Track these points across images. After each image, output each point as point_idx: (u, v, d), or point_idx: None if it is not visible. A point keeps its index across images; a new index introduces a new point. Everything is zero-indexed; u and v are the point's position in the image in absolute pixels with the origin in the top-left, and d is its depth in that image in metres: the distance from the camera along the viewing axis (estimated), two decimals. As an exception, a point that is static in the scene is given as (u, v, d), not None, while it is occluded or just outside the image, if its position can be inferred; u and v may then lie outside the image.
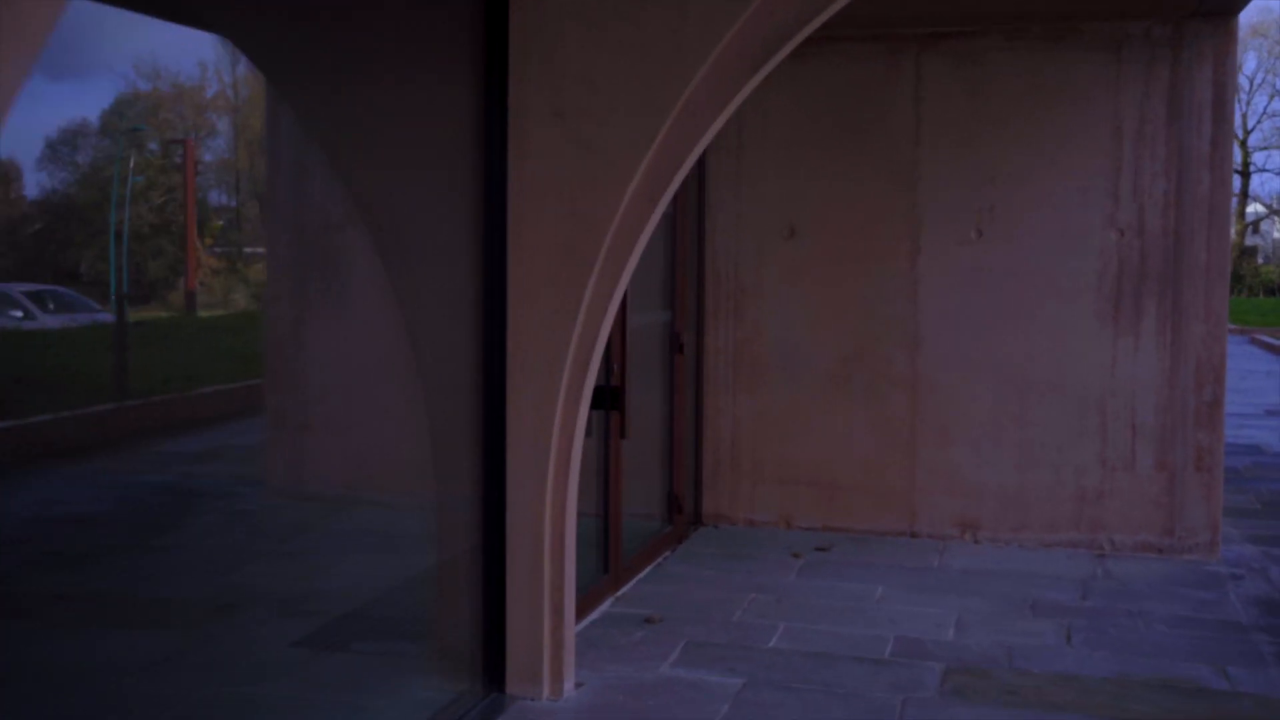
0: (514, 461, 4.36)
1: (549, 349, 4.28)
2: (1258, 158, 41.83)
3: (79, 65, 3.32)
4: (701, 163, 6.91)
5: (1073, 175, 6.46)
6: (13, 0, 1.73)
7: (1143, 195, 6.37)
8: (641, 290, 5.93)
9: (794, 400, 6.88)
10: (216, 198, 4.41)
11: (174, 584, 3.77)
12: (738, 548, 6.57)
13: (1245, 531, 6.96)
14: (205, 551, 3.95)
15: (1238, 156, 37.10)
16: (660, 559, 6.31)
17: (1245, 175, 39.41)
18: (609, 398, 4.85)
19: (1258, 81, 40.44)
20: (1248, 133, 39.21)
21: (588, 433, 4.52)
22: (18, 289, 3.84)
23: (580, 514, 4.61)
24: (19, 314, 3.78)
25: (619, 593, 5.66)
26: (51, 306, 3.82)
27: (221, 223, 4.42)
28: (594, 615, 5.32)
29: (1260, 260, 43.33)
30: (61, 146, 3.47)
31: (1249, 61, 41.51)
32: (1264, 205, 43.21)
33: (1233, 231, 6.59)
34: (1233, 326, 5.79)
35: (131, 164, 3.75)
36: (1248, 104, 39.33)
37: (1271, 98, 45.14)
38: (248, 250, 4.62)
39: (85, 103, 3.45)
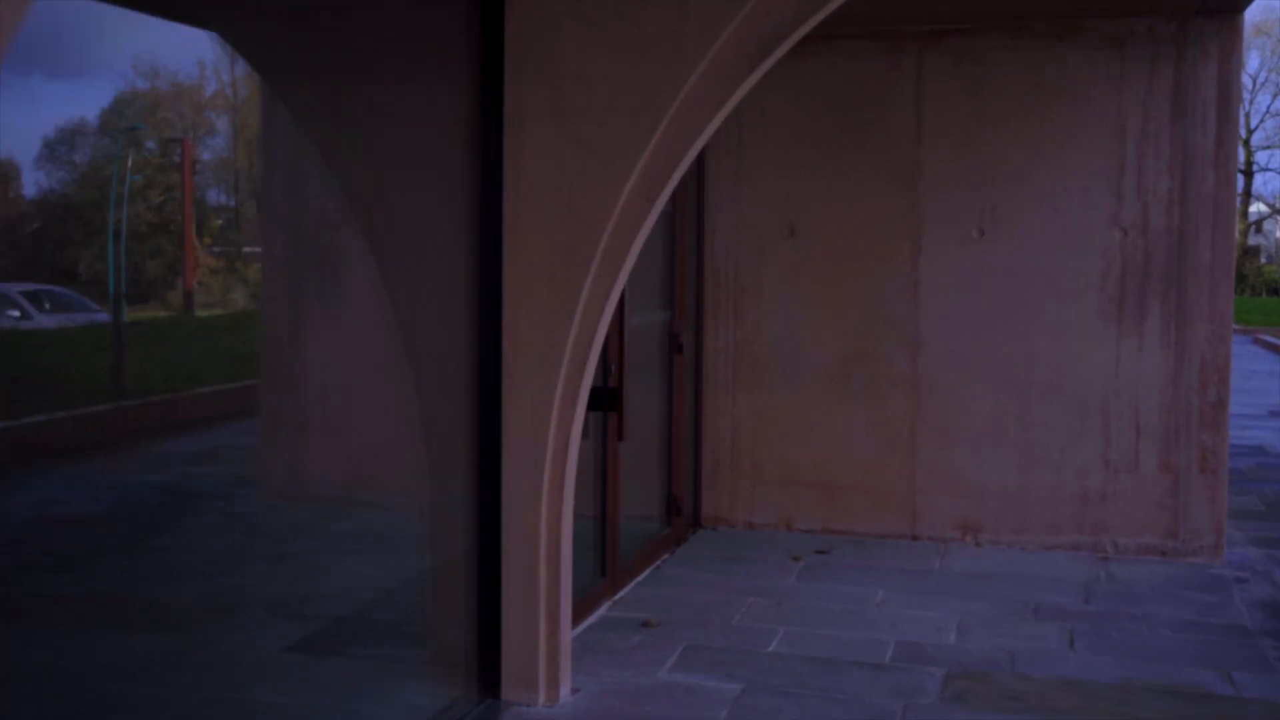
0: (509, 463, 4.31)
1: (545, 349, 4.24)
2: (1261, 157, 41.71)
3: (78, 64, 3.33)
4: (701, 162, 6.87)
5: (1075, 174, 6.40)
6: None
7: (1146, 194, 6.32)
8: (640, 290, 5.88)
9: (794, 401, 6.83)
10: (215, 197, 4.41)
11: (170, 586, 3.74)
12: (737, 550, 6.51)
13: (1249, 534, 6.90)
14: (201, 553, 3.93)
15: (1240, 156, 37.02)
16: (659, 562, 6.25)
17: (1248, 174, 39.34)
18: (607, 399, 4.80)
19: (1261, 80, 40.33)
20: (1250, 132, 39.15)
21: (585, 434, 4.47)
22: (15, 289, 3.83)
23: (577, 516, 4.57)
24: (16, 314, 3.77)
25: (617, 596, 5.61)
26: (48, 306, 3.81)
27: (220, 222, 4.41)
28: (591, 619, 5.27)
29: (1263, 260, 43.27)
30: (60, 145, 3.46)
31: (1252, 60, 41.44)
32: (1267, 204, 43.15)
33: (1236, 231, 6.54)
34: (1236, 326, 5.74)
35: (130, 163, 3.74)
36: (1251, 103, 39.28)
37: (1275, 96, 45.17)
38: (247, 250, 4.60)
39: (84, 101, 3.45)
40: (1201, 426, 6.29)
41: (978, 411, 6.57)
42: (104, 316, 3.81)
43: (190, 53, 3.77)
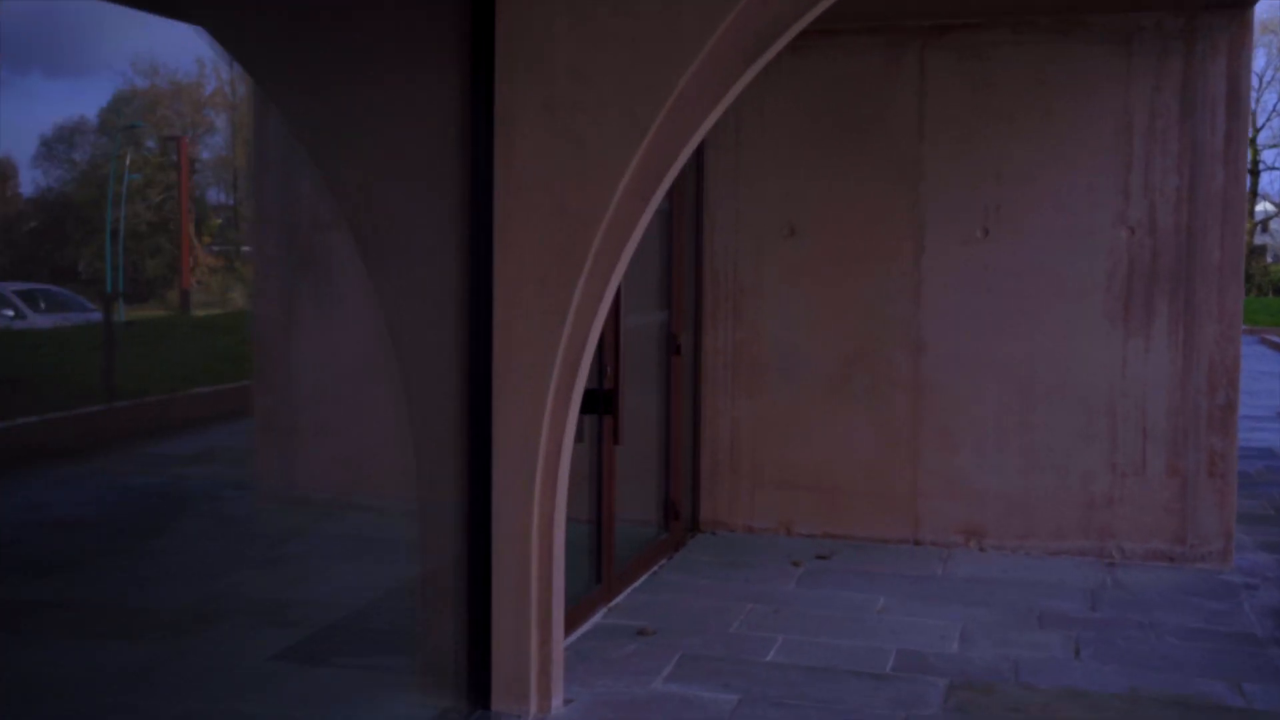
0: (500, 467, 4.22)
1: (537, 351, 4.15)
2: (1267, 155, 41.53)
3: (76, 62, 3.32)
4: (699, 160, 6.78)
5: (1081, 172, 6.29)
6: None
7: (1154, 192, 6.20)
8: (637, 290, 5.79)
9: (794, 403, 6.72)
10: (215, 196, 4.39)
11: (157, 591, 3.68)
12: (736, 555, 6.40)
13: (1258, 538, 6.78)
14: (191, 557, 3.86)
15: (1247, 154, 36.81)
16: (656, 567, 6.15)
17: (1255, 173, 39.19)
18: (602, 401, 4.70)
19: (1268, 79, 40.16)
20: (1257, 130, 38.99)
21: (579, 438, 4.38)
22: (9, 288, 3.79)
23: (572, 520, 4.48)
24: (10, 313, 3.73)
25: (612, 603, 5.50)
26: (43, 306, 3.76)
27: (220, 221, 4.37)
28: (585, 627, 5.16)
29: (1270, 259, 43.10)
30: (58, 144, 3.45)
31: (1258, 58, 41.27)
32: (1273, 204, 42.95)
33: (1245, 230, 6.41)
34: (1243, 327, 5.66)
35: (128, 161, 3.73)
36: (1257, 101, 39.11)
37: (1282, 94, 44.86)
38: (246, 249, 4.54)
39: (82, 100, 3.45)
40: (1210, 429, 6.18)
41: (981, 414, 6.46)
42: (100, 316, 3.79)
43: (189, 51, 3.75)
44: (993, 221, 6.42)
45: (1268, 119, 40.33)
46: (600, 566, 5.44)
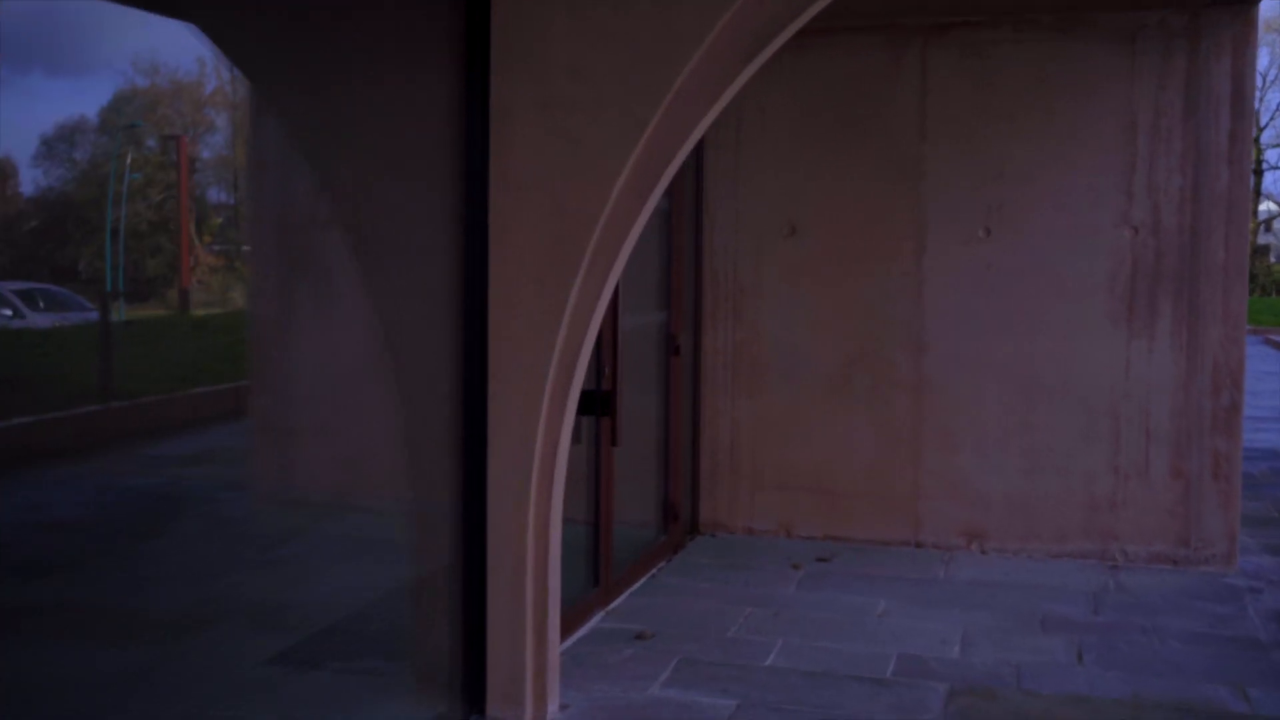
0: (495, 469, 4.17)
1: (533, 351, 4.11)
2: (1270, 155, 41.49)
3: (77, 61, 3.32)
4: (699, 159, 6.73)
5: (1084, 171, 6.24)
6: None
7: (1157, 191, 6.14)
8: (636, 290, 5.74)
9: (794, 404, 6.67)
10: (216, 195, 4.37)
11: (150, 594, 3.64)
12: (736, 558, 6.35)
13: (1262, 541, 6.72)
14: (186, 560, 3.83)
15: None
16: (655, 570, 6.09)
17: (1258, 173, 39.11)
18: (599, 403, 4.65)
19: (1271, 78, 40.09)
20: (1260, 130, 38.91)
21: (577, 440, 4.33)
22: (7, 287, 3.77)
23: (570, 521, 4.42)
24: (8, 312, 3.71)
25: (610, 606, 5.45)
26: (42, 305, 3.74)
27: (220, 220, 4.35)
28: (583, 630, 5.11)
29: (1273, 259, 43.04)
30: (59, 143, 3.44)
31: (1262, 57, 41.20)
32: (1276, 203, 42.89)
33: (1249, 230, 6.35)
34: (1246, 327, 5.61)
35: (129, 161, 3.72)
36: (1261, 101, 39.05)
37: (1285, 94, 44.76)
38: (246, 248, 4.50)
39: (83, 99, 3.44)
40: (1214, 431, 6.12)
41: (983, 415, 6.40)
42: (99, 316, 3.77)
43: (190, 50, 3.73)
44: (995, 221, 6.37)
45: (1271, 118, 40.27)
46: (598, 569, 5.39)
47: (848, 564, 6.23)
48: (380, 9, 4.18)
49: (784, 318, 6.67)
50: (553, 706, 4.25)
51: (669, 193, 6.21)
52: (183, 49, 3.67)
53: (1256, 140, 38.28)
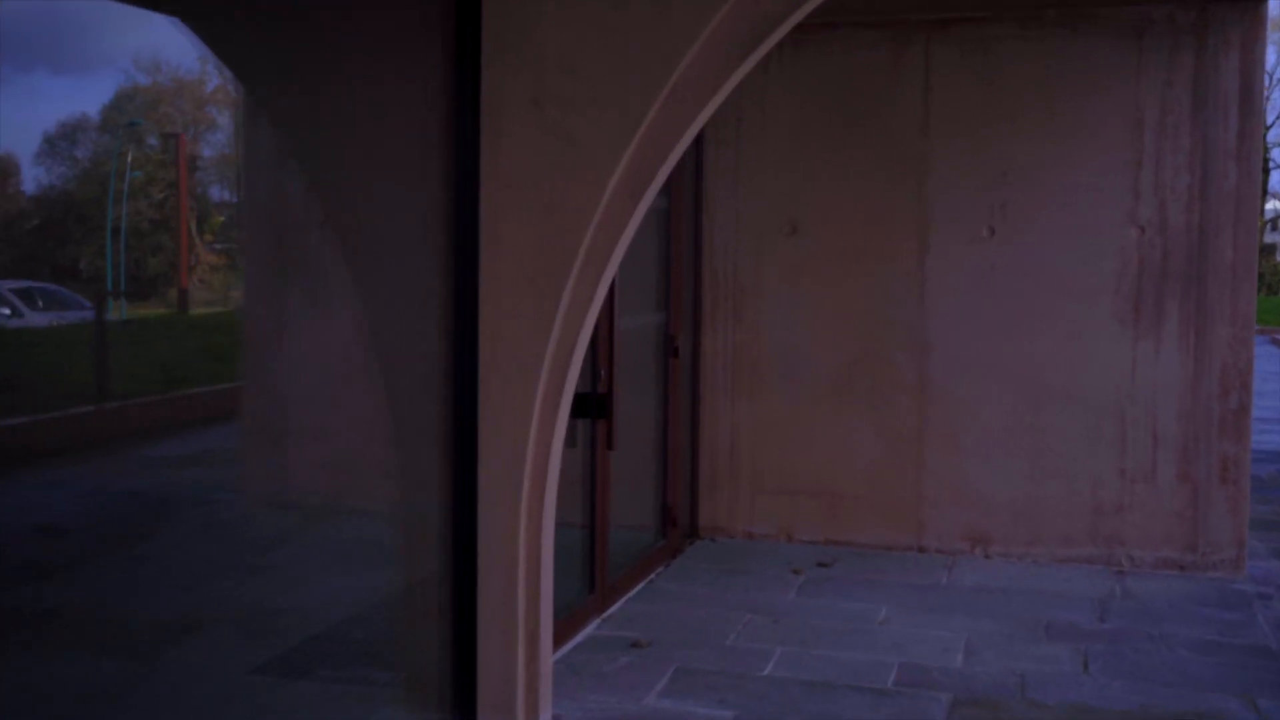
0: (486, 474, 4.07)
1: (525, 352, 4.01)
2: (1276, 154, 41.31)
3: (79, 59, 3.31)
4: (699, 157, 6.63)
5: (1090, 169, 6.13)
6: None
7: (1165, 190, 6.04)
8: (634, 290, 5.65)
9: (795, 406, 6.57)
10: (218, 193, 4.34)
11: (137, 600, 3.57)
12: (735, 563, 6.25)
13: (1271, 546, 6.61)
14: (174, 565, 3.75)
15: (1256, 153, 36.63)
16: (652, 575, 5.99)
17: (1265, 171, 39.00)
18: (595, 405, 4.55)
19: (1278, 77, 39.93)
20: (1267, 128, 38.79)
21: (572, 443, 4.24)
22: (6, 286, 3.73)
23: (565, 526, 4.33)
24: (6, 311, 3.66)
25: (606, 613, 5.35)
26: (41, 304, 3.70)
27: (222, 218, 4.29)
28: (578, 638, 5.01)
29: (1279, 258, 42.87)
30: (60, 141, 3.43)
31: (1269, 55, 41.05)
32: (1283, 202, 42.71)
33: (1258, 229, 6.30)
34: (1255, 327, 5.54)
35: (130, 159, 3.69)
36: (1268, 98, 38.91)
37: (1292, 92, 44.58)
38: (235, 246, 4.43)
39: (85, 97, 3.43)
40: (1222, 434, 6.01)
41: (987, 418, 6.30)
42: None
43: (191, 48, 3.71)
44: (999, 220, 6.27)
45: (1278, 116, 40.11)
46: (593, 575, 5.29)
47: (849, 569, 6.13)
48: (367, 1, 4.09)
49: (785, 318, 6.58)
50: (545, 717, 4.15)
51: (667, 191, 6.12)
52: (184, 47, 3.66)
53: (1263, 138, 38.14)
